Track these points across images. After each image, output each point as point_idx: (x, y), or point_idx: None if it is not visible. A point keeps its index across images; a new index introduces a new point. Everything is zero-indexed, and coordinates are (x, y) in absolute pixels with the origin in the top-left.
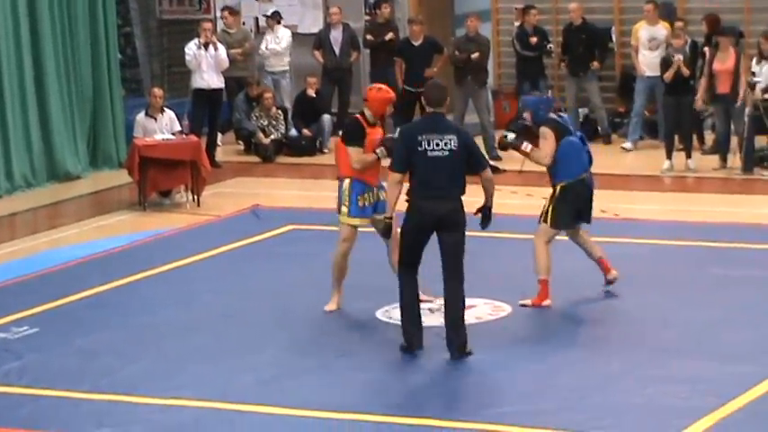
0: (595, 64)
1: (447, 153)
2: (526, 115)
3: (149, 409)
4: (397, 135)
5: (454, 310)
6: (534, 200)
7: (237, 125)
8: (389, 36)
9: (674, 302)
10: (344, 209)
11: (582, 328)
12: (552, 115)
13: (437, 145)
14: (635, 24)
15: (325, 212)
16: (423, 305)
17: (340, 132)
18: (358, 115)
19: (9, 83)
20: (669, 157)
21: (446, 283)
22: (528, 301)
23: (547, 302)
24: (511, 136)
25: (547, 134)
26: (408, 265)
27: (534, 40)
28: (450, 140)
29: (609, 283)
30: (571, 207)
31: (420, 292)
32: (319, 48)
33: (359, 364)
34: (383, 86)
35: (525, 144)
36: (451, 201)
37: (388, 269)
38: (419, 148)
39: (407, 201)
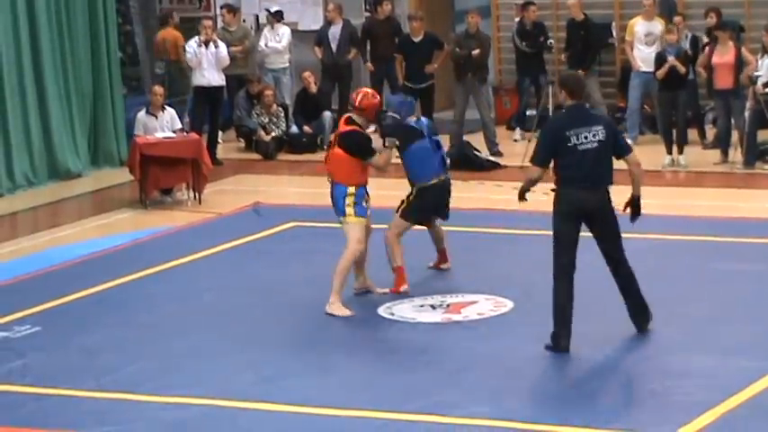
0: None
1: (596, 144)
2: (391, 114)
3: (152, 406)
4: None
5: (635, 289)
6: (536, 195)
7: (238, 122)
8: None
9: (677, 297)
10: (350, 210)
11: (584, 323)
12: (410, 120)
13: (586, 138)
14: (631, 19)
15: (326, 209)
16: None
17: (338, 143)
18: (354, 126)
19: (9, 81)
20: (669, 152)
21: (617, 268)
22: (386, 290)
23: (405, 288)
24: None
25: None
26: (564, 266)
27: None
28: (598, 131)
29: (436, 267)
30: (427, 205)
31: (370, 285)
32: (320, 44)
33: (360, 361)
34: (370, 91)
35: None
36: (603, 190)
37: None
38: (568, 144)
39: (554, 192)
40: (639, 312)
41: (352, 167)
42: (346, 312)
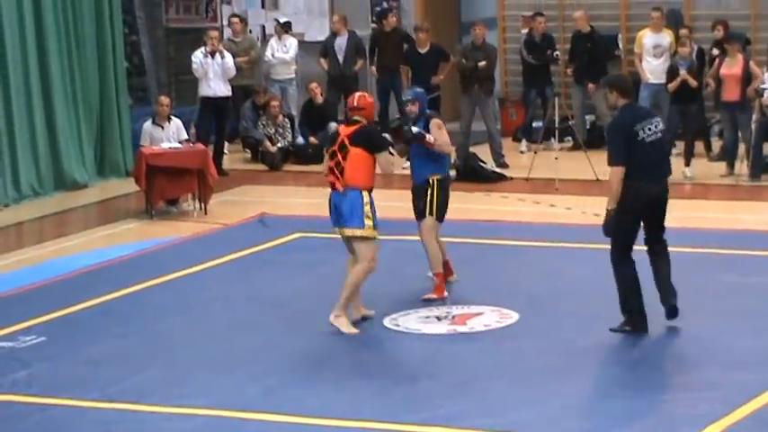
0: (591, 87)
1: (659, 134)
2: (413, 108)
3: (157, 417)
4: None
5: (666, 274)
6: (542, 207)
7: (244, 133)
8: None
9: (682, 309)
10: (369, 222)
11: (589, 335)
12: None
13: (650, 130)
14: (640, 31)
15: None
16: (429, 313)
17: (355, 143)
18: (364, 123)
19: (16, 92)
20: None
21: (655, 247)
22: (432, 295)
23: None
24: (415, 129)
25: (441, 125)
26: (625, 248)
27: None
28: (657, 123)
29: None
30: (448, 197)
31: (362, 309)
32: (325, 56)
33: (365, 373)
34: (365, 93)
35: (429, 136)
36: (666, 180)
37: (396, 277)
38: (638, 138)
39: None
40: (668, 291)
41: (369, 169)
42: (352, 330)
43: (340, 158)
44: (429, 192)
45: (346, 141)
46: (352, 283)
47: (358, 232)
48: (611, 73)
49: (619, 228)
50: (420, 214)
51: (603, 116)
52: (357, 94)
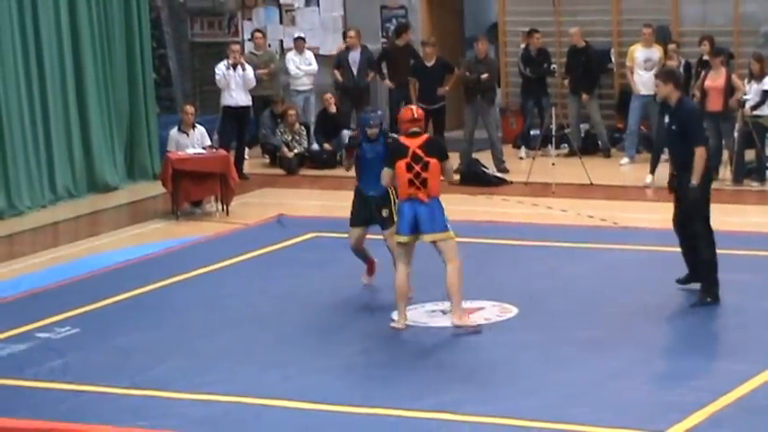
0: (585, 97)
1: None
2: (374, 131)
3: (182, 403)
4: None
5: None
6: (540, 209)
7: (263, 140)
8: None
9: (670, 305)
10: (449, 225)
11: (583, 328)
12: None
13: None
14: (631, 46)
15: (344, 221)
16: (435, 307)
17: (432, 153)
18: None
19: (54, 102)
20: (652, 171)
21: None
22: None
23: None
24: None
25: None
26: (708, 220)
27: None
28: None
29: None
30: None
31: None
32: (338, 68)
33: (376, 363)
34: (410, 106)
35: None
36: None
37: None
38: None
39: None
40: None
41: (440, 175)
42: (477, 323)
43: (419, 170)
44: (391, 201)
45: (420, 153)
46: (457, 286)
47: (445, 235)
48: (666, 67)
49: (705, 201)
50: (387, 222)
51: (597, 125)
52: (413, 107)
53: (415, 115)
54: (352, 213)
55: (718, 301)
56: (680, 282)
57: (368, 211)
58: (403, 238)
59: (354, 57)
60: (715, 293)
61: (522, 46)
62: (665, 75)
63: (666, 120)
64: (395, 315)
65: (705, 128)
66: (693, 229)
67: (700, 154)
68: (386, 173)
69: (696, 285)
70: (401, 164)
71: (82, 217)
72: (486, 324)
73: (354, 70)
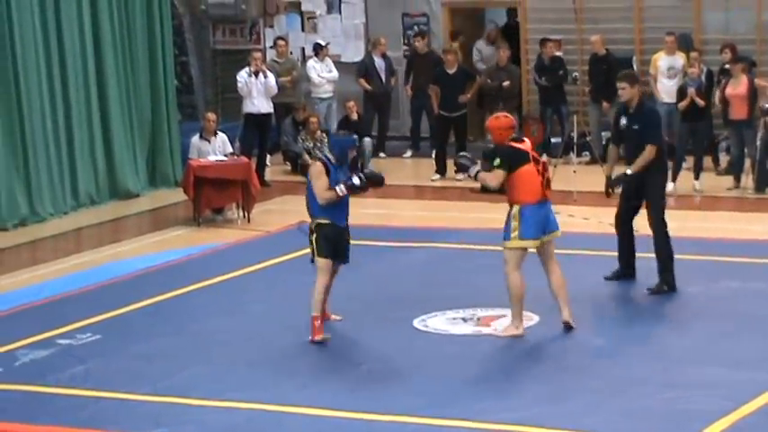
0: (606, 105)
1: None
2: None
3: (202, 410)
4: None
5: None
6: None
7: (285, 147)
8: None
9: (691, 313)
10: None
11: (603, 337)
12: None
13: None
14: (654, 54)
15: (363, 228)
16: (456, 314)
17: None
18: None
19: (76, 110)
20: (674, 179)
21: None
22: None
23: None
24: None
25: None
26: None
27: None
28: None
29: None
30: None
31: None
32: (364, 75)
33: (397, 370)
34: (500, 114)
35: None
36: None
37: (427, 281)
38: None
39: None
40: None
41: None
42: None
43: (543, 171)
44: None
45: (537, 156)
46: (563, 285)
47: (559, 232)
48: (627, 71)
49: (662, 196)
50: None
51: None
52: (506, 114)
53: (513, 123)
54: (325, 247)
55: (675, 290)
56: (609, 278)
57: (341, 244)
58: (533, 243)
59: (380, 63)
60: (672, 284)
61: (537, 55)
62: (630, 78)
63: (624, 121)
64: (416, 322)
65: (726, 135)
66: (653, 226)
67: (650, 150)
68: (499, 175)
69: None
70: (531, 168)
71: (104, 224)
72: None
73: (383, 77)
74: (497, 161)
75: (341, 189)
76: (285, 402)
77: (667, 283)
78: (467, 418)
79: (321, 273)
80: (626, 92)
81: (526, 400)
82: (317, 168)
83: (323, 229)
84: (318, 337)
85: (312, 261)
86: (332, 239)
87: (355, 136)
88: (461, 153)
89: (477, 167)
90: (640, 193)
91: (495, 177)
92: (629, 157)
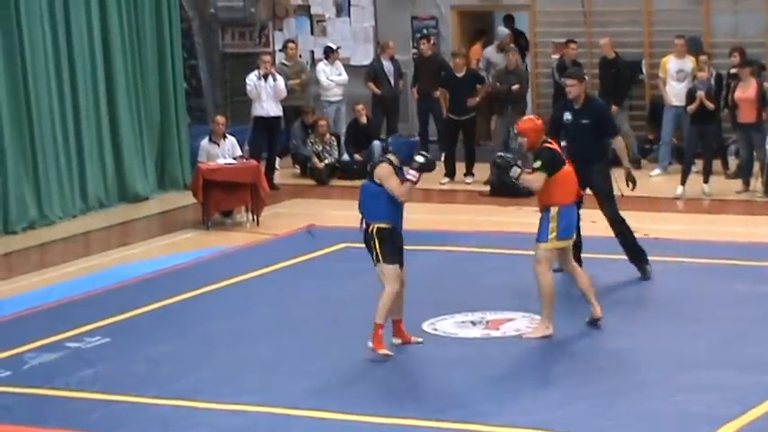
0: (614, 108)
1: None
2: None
3: (211, 413)
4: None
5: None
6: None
7: (294, 150)
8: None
9: (700, 316)
10: None
11: (613, 339)
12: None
13: None
14: (663, 57)
15: None
16: (465, 317)
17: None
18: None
19: (86, 112)
20: (683, 183)
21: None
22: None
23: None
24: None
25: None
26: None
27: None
28: None
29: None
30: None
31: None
32: (372, 79)
33: (406, 373)
34: (530, 117)
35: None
36: None
37: (436, 285)
38: None
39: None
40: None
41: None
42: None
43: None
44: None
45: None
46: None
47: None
48: (573, 68)
49: (611, 187)
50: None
51: (627, 136)
52: (526, 117)
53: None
54: (391, 252)
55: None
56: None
57: (402, 250)
58: (568, 243)
59: (389, 67)
60: (648, 271)
61: (555, 57)
62: (577, 74)
63: (570, 116)
64: (425, 326)
65: (735, 139)
66: (611, 216)
67: (620, 140)
68: (542, 178)
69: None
70: (569, 170)
71: (113, 227)
72: (516, 335)
73: (392, 80)
74: (539, 164)
75: (412, 175)
76: (294, 405)
77: (644, 267)
78: (475, 422)
79: (390, 281)
80: (575, 89)
81: (535, 402)
82: (385, 169)
83: (385, 234)
84: (381, 351)
85: (375, 264)
86: (397, 244)
87: (417, 138)
88: (500, 153)
89: (519, 169)
90: (586, 184)
91: (537, 180)
92: (575, 153)
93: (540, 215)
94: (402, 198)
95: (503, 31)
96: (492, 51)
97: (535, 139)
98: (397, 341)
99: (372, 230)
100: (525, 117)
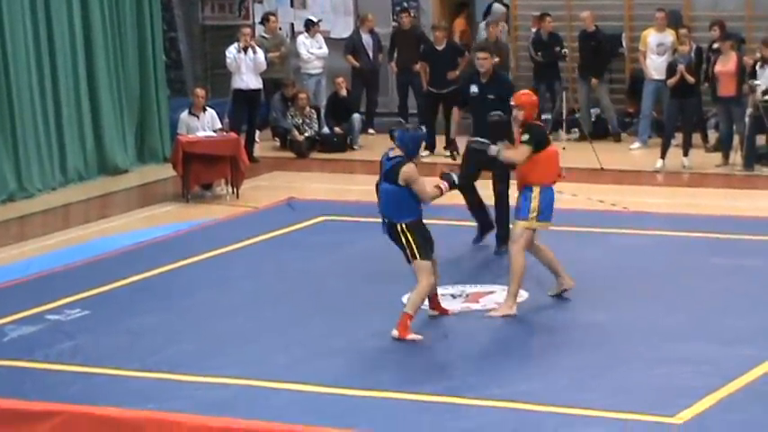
0: (594, 82)
1: None
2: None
3: (192, 386)
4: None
5: None
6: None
7: (274, 123)
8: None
9: (680, 289)
10: None
11: (593, 313)
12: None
13: None
14: (643, 31)
15: (354, 204)
16: (445, 291)
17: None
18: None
19: (65, 85)
20: (663, 156)
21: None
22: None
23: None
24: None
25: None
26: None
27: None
28: None
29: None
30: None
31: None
32: (351, 52)
33: (385, 346)
34: (526, 90)
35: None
36: None
37: None
38: None
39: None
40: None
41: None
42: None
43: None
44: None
45: None
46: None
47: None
48: (484, 41)
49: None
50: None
51: (606, 109)
52: (522, 91)
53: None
54: (426, 246)
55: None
56: (476, 241)
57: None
58: (547, 225)
59: (368, 40)
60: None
61: (533, 30)
62: (492, 48)
63: (476, 89)
64: (405, 299)
65: (715, 112)
66: (501, 188)
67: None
68: (526, 151)
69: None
70: (554, 150)
71: (92, 199)
72: (496, 308)
73: (370, 54)
74: (527, 137)
75: (445, 187)
76: (275, 378)
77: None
78: (455, 395)
79: (426, 275)
80: (487, 61)
81: (515, 375)
82: (413, 170)
83: (416, 229)
84: (410, 337)
85: (409, 262)
86: (428, 238)
87: (424, 129)
88: (475, 138)
89: (498, 147)
90: (484, 163)
91: (521, 153)
92: (478, 125)
93: (517, 193)
94: (429, 201)
95: (499, 8)
96: (485, 27)
97: (530, 114)
98: (433, 313)
99: (402, 227)
100: (522, 90)
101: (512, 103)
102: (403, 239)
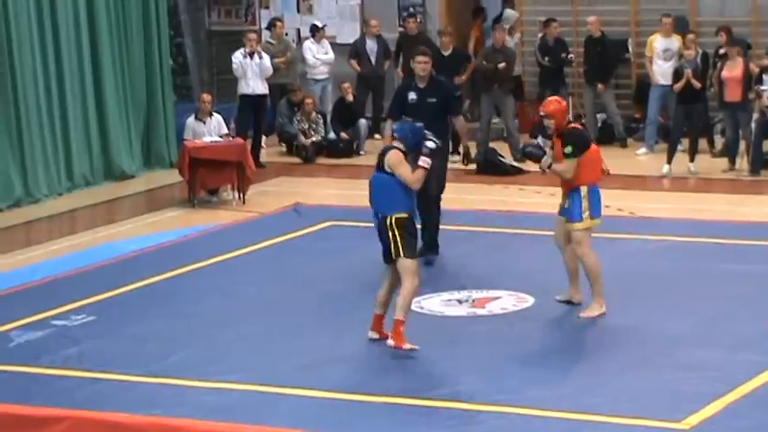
0: (600, 87)
1: None
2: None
3: (197, 391)
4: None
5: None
6: (556, 198)
7: (280, 128)
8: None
9: (686, 295)
10: None
11: (600, 319)
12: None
13: None
14: (650, 36)
15: (361, 210)
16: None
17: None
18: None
19: (71, 90)
20: (669, 162)
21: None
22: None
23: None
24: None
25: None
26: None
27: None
28: None
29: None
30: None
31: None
32: (355, 57)
33: (392, 352)
34: (554, 98)
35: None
36: None
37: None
38: None
39: None
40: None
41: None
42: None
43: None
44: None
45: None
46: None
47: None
48: (424, 47)
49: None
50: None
51: (612, 115)
52: (550, 99)
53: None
54: (412, 245)
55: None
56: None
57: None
58: (600, 221)
59: (372, 46)
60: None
61: (540, 35)
62: (431, 53)
63: (415, 96)
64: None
65: (722, 118)
66: (438, 198)
67: (462, 122)
68: (573, 164)
69: None
70: (596, 149)
71: (98, 205)
72: (502, 313)
73: (373, 59)
74: (569, 149)
75: (424, 161)
76: (281, 384)
77: (433, 250)
78: (461, 400)
79: (411, 275)
80: (428, 65)
81: (522, 381)
82: (397, 156)
83: (404, 225)
84: (405, 346)
85: (390, 260)
86: (415, 236)
87: (420, 123)
88: (534, 142)
89: (549, 159)
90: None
91: (569, 169)
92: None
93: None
94: (415, 186)
95: (512, 14)
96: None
97: (562, 121)
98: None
99: (390, 221)
100: (549, 99)
101: (541, 113)
102: (389, 234)
